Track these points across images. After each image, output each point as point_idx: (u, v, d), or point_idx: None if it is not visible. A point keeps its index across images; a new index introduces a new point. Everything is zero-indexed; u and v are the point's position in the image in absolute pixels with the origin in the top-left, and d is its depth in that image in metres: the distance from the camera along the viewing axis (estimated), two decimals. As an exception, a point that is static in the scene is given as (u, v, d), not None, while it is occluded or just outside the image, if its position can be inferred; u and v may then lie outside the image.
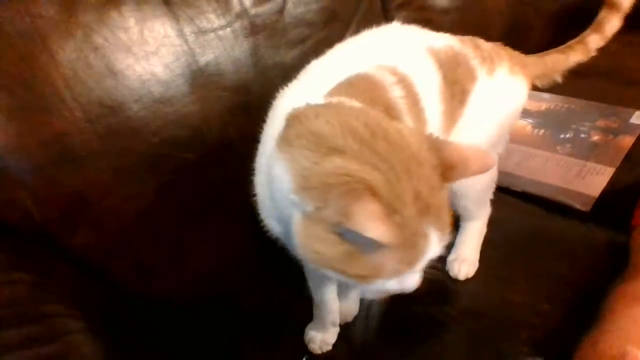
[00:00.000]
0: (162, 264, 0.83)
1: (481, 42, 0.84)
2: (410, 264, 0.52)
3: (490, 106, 0.82)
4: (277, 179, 0.54)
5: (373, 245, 0.48)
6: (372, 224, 0.45)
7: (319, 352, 0.83)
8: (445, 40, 0.79)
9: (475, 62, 0.79)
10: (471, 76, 0.79)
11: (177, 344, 0.84)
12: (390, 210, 0.48)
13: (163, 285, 0.83)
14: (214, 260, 0.89)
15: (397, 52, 0.72)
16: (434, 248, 0.53)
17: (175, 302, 0.85)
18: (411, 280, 0.55)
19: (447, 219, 0.53)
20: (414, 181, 0.50)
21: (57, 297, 0.66)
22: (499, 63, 0.83)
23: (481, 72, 0.80)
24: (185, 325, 0.88)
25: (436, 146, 0.53)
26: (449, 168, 0.53)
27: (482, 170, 0.54)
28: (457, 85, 0.75)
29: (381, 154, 0.50)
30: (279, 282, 0.72)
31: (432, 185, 0.51)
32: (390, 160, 0.50)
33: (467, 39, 0.82)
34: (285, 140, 0.54)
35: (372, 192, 0.48)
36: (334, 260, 0.51)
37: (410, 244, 0.50)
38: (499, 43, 0.87)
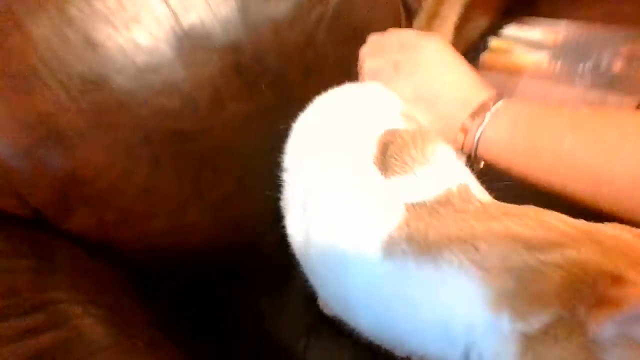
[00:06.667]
0: (164, 237, 0.82)
1: None
2: None
3: None
4: None
5: None
6: None
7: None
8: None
9: None
10: None
11: (183, 322, 0.84)
12: None
13: (166, 259, 0.82)
14: (214, 229, 0.87)
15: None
16: None
17: (179, 274, 0.84)
18: None
19: None
20: None
21: (59, 283, 0.65)
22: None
23: None
24: (191, 300, 0.87)
25: None
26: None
27: None
28: None
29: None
30: (281, 247, 0.70)
31: None
32: None
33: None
34: None
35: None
36: None
37: None
38: None
